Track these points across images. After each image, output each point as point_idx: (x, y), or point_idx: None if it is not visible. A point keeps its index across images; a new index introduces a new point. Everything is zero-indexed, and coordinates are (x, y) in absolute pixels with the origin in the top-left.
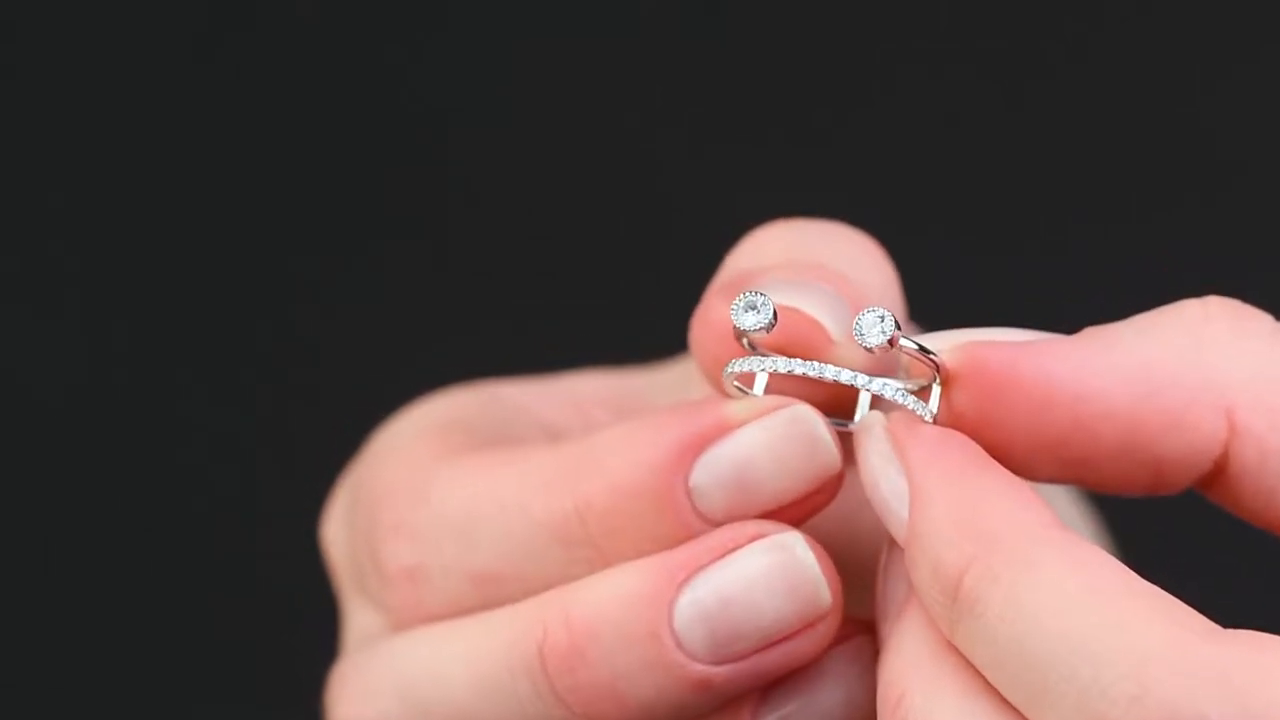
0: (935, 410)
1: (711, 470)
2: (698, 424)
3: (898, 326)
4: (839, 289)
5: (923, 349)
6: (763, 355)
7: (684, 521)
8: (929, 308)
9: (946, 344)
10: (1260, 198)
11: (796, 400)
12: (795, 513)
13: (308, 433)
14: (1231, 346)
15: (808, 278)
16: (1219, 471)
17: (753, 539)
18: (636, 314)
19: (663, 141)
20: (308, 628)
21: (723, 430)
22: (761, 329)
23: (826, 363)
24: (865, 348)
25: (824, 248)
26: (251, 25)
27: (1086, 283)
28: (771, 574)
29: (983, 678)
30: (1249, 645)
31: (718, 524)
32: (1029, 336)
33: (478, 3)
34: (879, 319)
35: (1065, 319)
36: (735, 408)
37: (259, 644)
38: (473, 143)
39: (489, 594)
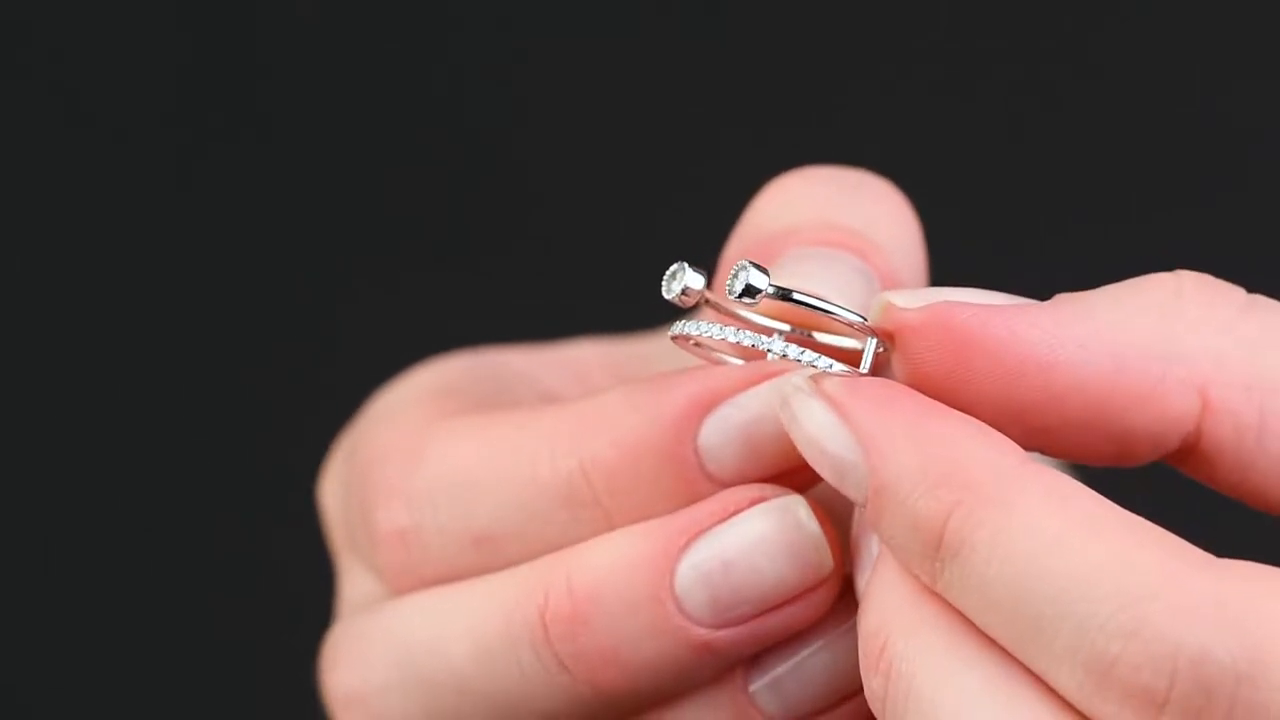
0: (866, 368)
1: (720, 429)
2: (708, 384)
3: (765, 280)
4: (866, 257)
5: (827, 306)
6: (696, 320)
7: (691, 480)
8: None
9: (916, 301)
10: (1261, 197)
11: (806, 364)
12: (803, 477)
13: (310, 432)
14: (1204, 321)
15: (835, 245)
16: (1191, 446)
17: (754, 503)
18: (638, 300)
19: (665, 135)
20: (308, 628)
21: (732, 391)
22: (684, 295)
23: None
24: (735, 301)
25: (851, 206)
26: (252, 25)
27: (1087, 280)
28: (773, 538)
29: (965, 620)
30: (1246, 576)
31: (725, 484)
32: (1002, 300)
33: (477, 2)
34: (747, 273)
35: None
36: (745, 370)
37: (259, 644)
38: (473, 139)
39: (487, 556)
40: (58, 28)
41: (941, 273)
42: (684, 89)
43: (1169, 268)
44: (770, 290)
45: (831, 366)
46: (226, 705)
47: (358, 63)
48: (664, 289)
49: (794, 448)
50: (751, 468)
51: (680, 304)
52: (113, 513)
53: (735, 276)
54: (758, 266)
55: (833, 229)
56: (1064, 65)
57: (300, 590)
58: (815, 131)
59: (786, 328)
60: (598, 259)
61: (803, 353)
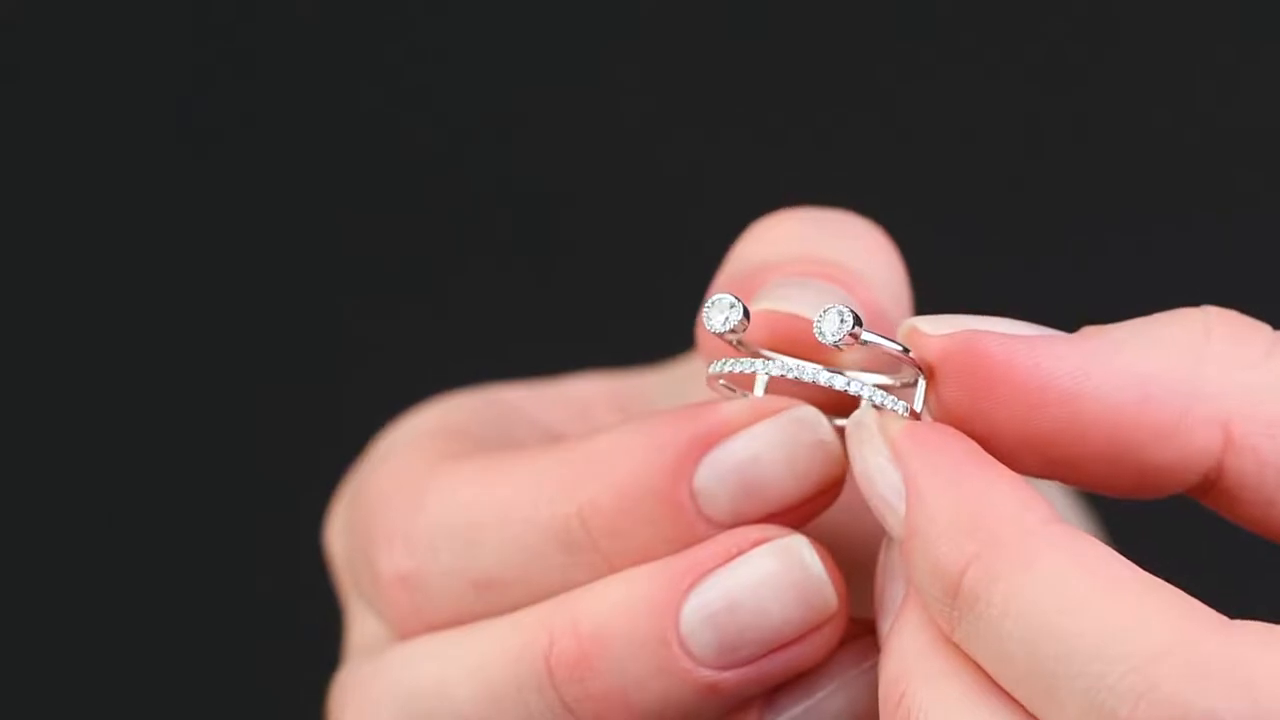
0: (920, 407)
1: (716, 472)
2: (702, 425)
3: (858, 323)
4: (849, 288)
5: (897, 346)
6: (743, 356)
7: (688, 524)
8: (926, 308)
9: (942, 327)
10: (1264, 202)
11: (800, 401)
12: (799, 515)
13: (309, 436)
14: (1230, 358)
15: (817, 276)
16: (1212, 482)
17: (757, 543)
18: (640, 316)
19: (663, 142)
20: (308, 631)
21: (727, 432)
22: (732, 331)
23: (819, 364)
24: (828, 345)
25: (833, 241)
26: (252, 25)
27: (1089, 286)
28: (777, 578)
29: (985, 673)
30: (1258, 638)
31: (722, 527)
32: (1028, 330)
33: (477, 2)
34: (839, 315)
35: (1066, 322)
36: (739, 409)
37: (259, 644)
38: (474, 143)
39: (490, 600)
40: (58, 26)
41: (935, 300)
42: (685, 96)
43: (1173, 272)
44: (864, 336)
45: (904, 409)
46: (227, 705)
47: (360, 63)
48: (709, 321)
49: (791, 488)
50: (748, 509)
51: (727, 338)
52: (113, 515)
53: (824, 318)
54: (853, 311)
55: (815, 262)
56: (1073, 66)
57: (300, 593)
58: (812, 146)
59: (818, 367)
60: (596, 293)
61: (863, 386)
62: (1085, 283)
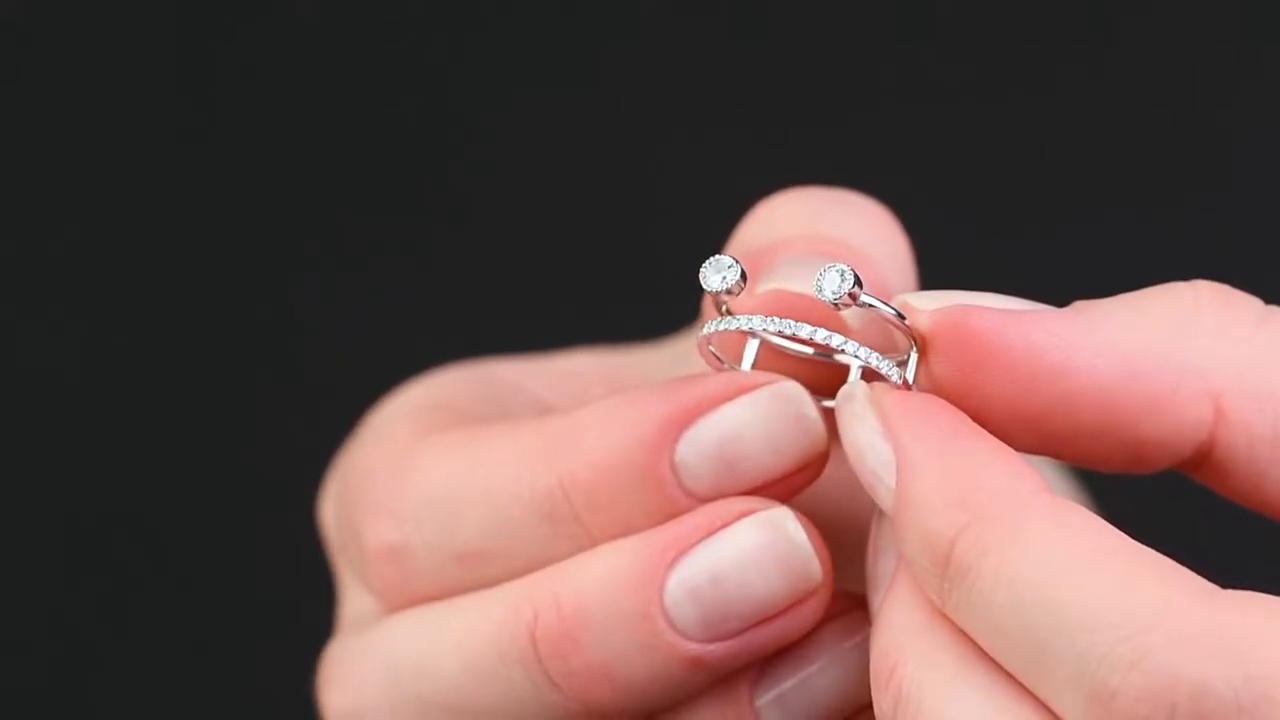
0: (912, 377)
1: (697, 446)
2: (683, 399)
3: (858, 283)
4: (855, 266)
5: (893, 310)
6: (738, 316)
7: (669, 497)
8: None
9: (934, 303)
10: (1262, 195)
11: (783, 376)
12: (780, 489)
13: (307, 428)
14: (1220, 331)
15: (823, 254)
16: (1204, 455)
17: (741, 515)
18: (638, 315)
19: (663, 132)
20: (307, 626)
21: (708, 406)
22: (728, 292)
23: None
24: (826, 303)
25: (839, 220)
26: (252, 25)
27: (1086, 275)
28: (762, 550)
29: (976, 645)
30: (1247, 607)
31: (703, 500)
32: (1018, 305)
33: (476, 2)
34: (839, 274)
35: (1062, 302)
36: (721, 383)
37: (259, 644)
38: (470, 137)
39: (474, 572)
40: (59, 25)
41: (938, 281)
42: (684, 88)
43: (1171, 260)
44: (863, 297)
45: (898, 376)
46: (227, 705)
47: (359, 62)
48: (705, 280)
49: (771, 463)
50: (729, 484)
51: (722, 299)
52: (112, 511)
53: (825, 275)
54: (853, 271)
55: (821, 240)
56: (1053, 68)
57: (299, 589)
58: (811, 143)
59: (814, 326)
60: (592, 268)
61: (860, 349)
62: (1082, 267)
